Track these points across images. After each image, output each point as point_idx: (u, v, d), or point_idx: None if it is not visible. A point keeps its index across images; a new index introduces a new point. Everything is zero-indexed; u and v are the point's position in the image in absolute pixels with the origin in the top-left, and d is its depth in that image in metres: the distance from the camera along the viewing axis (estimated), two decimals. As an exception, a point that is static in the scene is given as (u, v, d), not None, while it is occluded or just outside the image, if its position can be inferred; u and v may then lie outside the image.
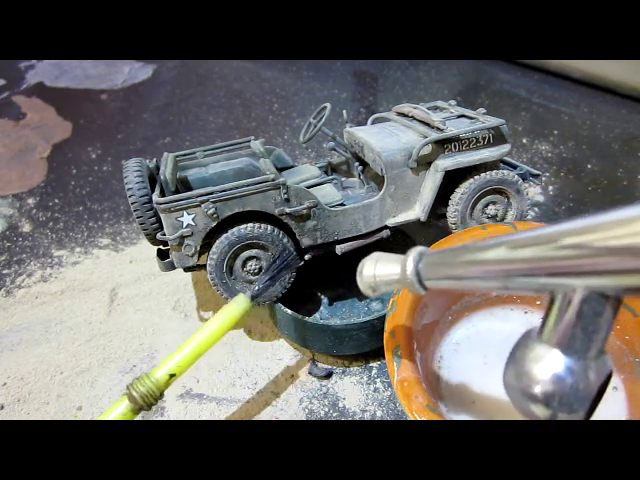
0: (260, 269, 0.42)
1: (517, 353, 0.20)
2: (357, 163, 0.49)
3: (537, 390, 0.18)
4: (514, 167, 0.48)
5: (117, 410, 0.33)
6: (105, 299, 0.54)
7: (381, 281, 0.28)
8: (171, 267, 0.43)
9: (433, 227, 0.52)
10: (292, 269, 0.42)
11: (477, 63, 1.00)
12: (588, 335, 0.18)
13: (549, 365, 0.18)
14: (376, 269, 0.28)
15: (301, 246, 0.44)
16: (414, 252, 0.26)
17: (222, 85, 0.99)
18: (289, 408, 0.42)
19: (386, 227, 0.45)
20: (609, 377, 0.19)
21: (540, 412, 0.19)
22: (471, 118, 0.46)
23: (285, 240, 0.42)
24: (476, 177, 0.44)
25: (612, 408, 0.35)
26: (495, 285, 0.20)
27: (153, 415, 0.42)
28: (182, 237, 0.40)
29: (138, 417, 0.41)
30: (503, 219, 0.46)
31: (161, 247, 0.47)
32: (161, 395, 0.35)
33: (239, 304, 0.38)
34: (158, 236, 0.41)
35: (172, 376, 0.35)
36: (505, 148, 0.44)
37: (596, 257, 0.16)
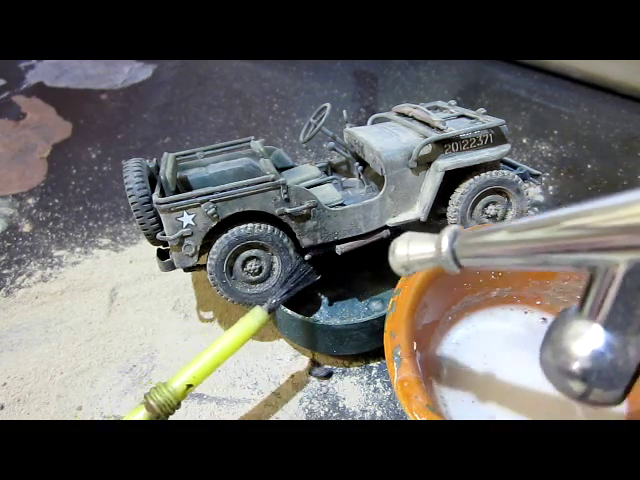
0: (260, 269, 0.42)
1: (554, 331, 0.20)
2: (357, 163, 0.49)
3: (575, 366, 0.18)
4: (514, 167, 0.48)
5: (135, 418, 0.33)
6: (105, 299, 0.54)
7: (415, 260, 0.28)
8: (171, 267, 0.43)
9: (433, 227, 0.52)
10: (309, 282, 0.42)
11: (477, 63, 1.00)
12: (630, 310, 0.18)
13: (588, 341, 0.18)
14: (409, 248, 0.28)
15: (301, 246, 0.44)
16: (449, 230, 0.26)
17: (222, 85, 0.99)
18: (289, 408, 0.42)
19: (386, 227, 0.45)
20: None
21: (577, 388, 0.19)
22: (471, 118, 0.46)
23: (285, 240, 0.42)
24: (476, 177, 0.44)
25: (612, 408, 0.35)
26: (535, 262, 0.20)
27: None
28: (182, 237, 0.40)
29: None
30: (503, 219, 0.46)
31: (161, 247, 0.47)
32: (178, 405, 0.35)
33: (256, 317, 0.39)
34: (158, 236, 0.41)
35: (189, 386, 0.35)
36: (505, 148, 0.44)
37: None
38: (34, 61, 1.11)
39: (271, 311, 0.40)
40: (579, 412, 0.35)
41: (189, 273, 0.55)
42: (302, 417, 0.41)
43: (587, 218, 0.18)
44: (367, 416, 0.41)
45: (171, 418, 0.41)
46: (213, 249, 0.41)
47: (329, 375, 0.44)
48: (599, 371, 0.18)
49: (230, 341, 0.37)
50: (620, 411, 0.34)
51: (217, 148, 0.51)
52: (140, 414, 0.33)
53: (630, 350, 0.18)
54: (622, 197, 0.17)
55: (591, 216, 0.18)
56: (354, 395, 0.43)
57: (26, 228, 0.65)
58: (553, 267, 0.20)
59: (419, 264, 0.28)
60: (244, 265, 0.42)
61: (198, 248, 0.41)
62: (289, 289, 0.41)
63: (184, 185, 0.45)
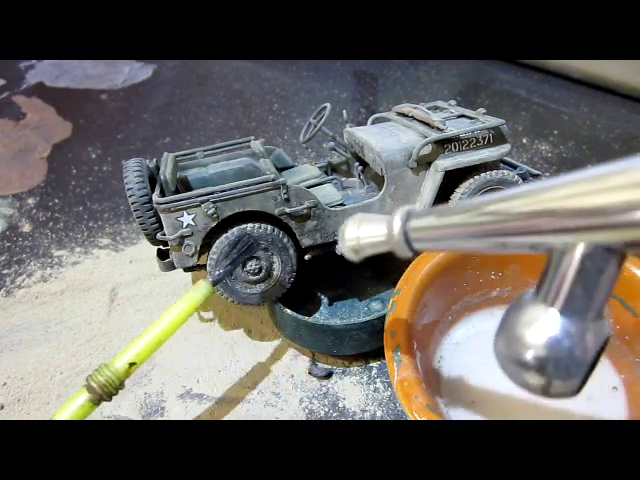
0: (260, 269, 0.42)
1: (509, 317, 0.19)
2: (357, 163, 0.49)
3: (530, 356, 0.17)
4: (514, 167, 0.48)
5: (76, 401, 0.33)
6: (105, 299, 0.54)
7: (366, 243, 0.26)
8: (171, 267, 0.43)
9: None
10: (252, 253, 0.41)
11: (477, 63, 1.00)
12: (589, 294, 0.16)
13: (544, 327, 0.17)
14: (360, 230, 0.26)
15: (301, 246, 0.44)
16: (401, 211, 0.24)
17: (222, 85, 0.99)
18: (289, 408, 0.42)
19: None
20: (606, 342, 0.17)
21: (534, 380, 0.17)
22: (471, 118, 0.46)
23: (285, 240, 0.42)
24: (476, 177, 0.44)
25: (612, 408, 0.35)
26: (490, 245, 0.19)
27: (153, 415, 0.42)
28: (182, 237, 0.40)
29: (138, 417, 0.42)
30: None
31: (161, 247, 0.47)
32: (121, 385, 0.34)
33: (200, 290, 0.37)
34: (158, 236, 0.41)
35: (132, 365, 0.34)
36: (505, 148, 0.44)
37: (596, 215, 0.15)
38: (34, 61, 1.11)
39: (215, 283, 0.38)
40: (579, 412, 0.35)
41: (189, 273, 0.55)
42: (302, 417, 0.41)
43: (543, 198, 0.17)
44: (367, 416, 0.41)
45: (171, 418, 0.41)
46: (213, 249, 0.41)
47: (329, 375, 0.44)
48: (556, 360, 0.17)
49: (174, 317, 0.36)
50: (620, 411, 0.34)
51: (217, 148, 0.51)
52: (82, 397, 0.33)
53: (588, 337, 0.17)
54: (578, 175, 0.16)
55: (548, 196, 0.16)
56: (354, 395, 0.43)
57: (26, 228, 0.65)
58: (510, 250, 0.19)
59: (370, 247, 0.26)
60: (244, 265, 0.42)
61: (198, 248, 0.41)
62: (233, 260, 0.40)
63: (184, 185, 0.45)
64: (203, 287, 0.38)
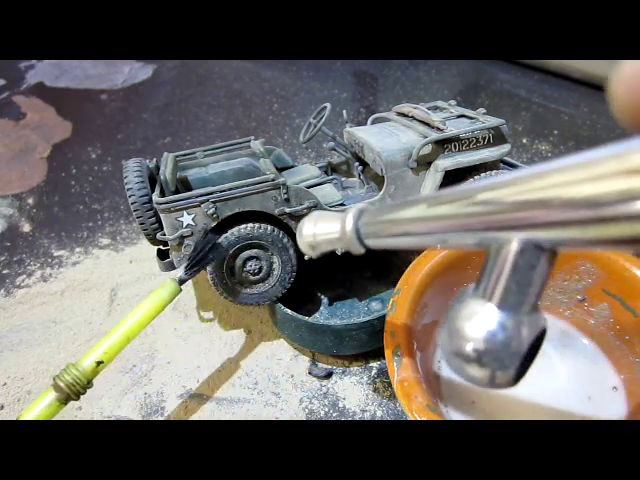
0: (260, 269, 0.42)
1: (451, 312, 0.19)
2: (357, 163, 0.49)
3: (469, 348, 0.18)
4: (514, 167, 0.48)
5: (44, 401, 0.33)
6: (105, 299, 0.54)
7: (321, 239, 0.27)
8: (171, 267, 0.43)
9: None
10: (220, 251, 0.41)
11: (477, 63, 1.00)
12: (522, 289, 0.17)
13: (482, 320, 0.18)
14: (316, 227, 0.28)
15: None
16: (354, 209, 0.25)
17: (222, 85, 0.99)
18: (289, 408, 0.42)
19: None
20: (542, 335, 0.18)
21: (476, 373, 0.18)
22: (471, 118, 0.46)
23: (285, 240, 0.42)
24: (476, 177, 0.44)
25: (612, 408, 0.35)
26: (433, 241, 0.20)
27: (153, 415, 0.42)
28: (182, 237, 0.40)
29: (138, 417, 0.42)
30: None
31: (161, 247, 0.47)
32: (89, 383, 0.34)
33: (167, 289, 0.38)
34: (158, 236, 0.41)
35: (100, 363, 0.34)
36: (505, 148, 0.44)
37: (529, 210, 0.15)
38: (34, 61, 1.11)
39: (182, 282, 0.38)
40: (579, 412, 0.35)
41: (189, 273, 0.55)
42: (302, 417, 0.41)
43: (479, 195, 0.17)
44: (367, 416, 0.41)
45: (171, 418, 0.41)
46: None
47: (329, 375, 0.44)
48: (492, 351, 0.17)
49: (142, 315, 0.36)
50: (620, 411, 0.34)
51: (217, 148, 0.51)
52: (49, 396, 0.33)
53: (523, 330, 0.17)
54: (520, 172, 0.16)
55: (482, 193, 0.17)
56: (354, 395, 0.43)
57: (26, 228, 0.65)
58: (453, 247, 0.20)
59: (326, 244, 0.27)
60: (244, 265, 0.42)
61: (198, 248, 0.41)
62: (200, 258, 0.39)
63: (184, 185, 0.45)
64: (170, 285, 0.38)
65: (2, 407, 0.43)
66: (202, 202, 0.39)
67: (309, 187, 0.45)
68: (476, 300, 0.18)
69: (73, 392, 0.33)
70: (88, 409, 0.43)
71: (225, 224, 0.41)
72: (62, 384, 0.33)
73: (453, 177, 0.44)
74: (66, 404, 0.33)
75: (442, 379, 0.37)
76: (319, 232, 0.27)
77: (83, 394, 0.34)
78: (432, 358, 0.38)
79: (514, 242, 0.17)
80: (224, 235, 0.40)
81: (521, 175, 0.16)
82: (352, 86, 0.96)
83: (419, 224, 0.20)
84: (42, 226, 0.65)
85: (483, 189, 0.17)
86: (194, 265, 0.39)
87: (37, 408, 0.32)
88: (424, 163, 0.44)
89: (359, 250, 0.25)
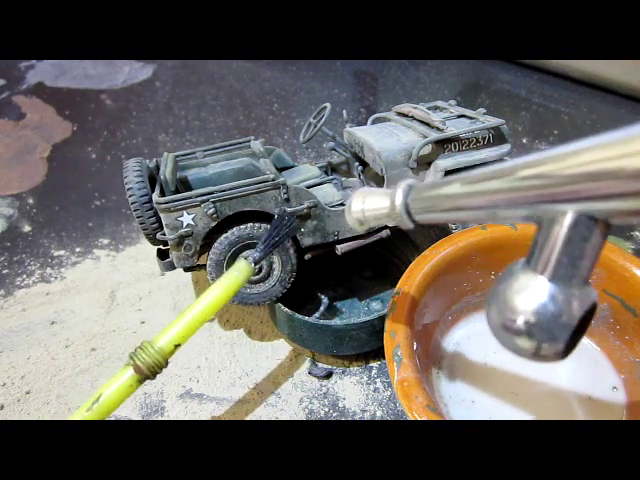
0: (260, 269, 0.42)
1: (500, 285, 0.19)
2: (357, 163, 0.49)
3: (520, 321, 0.18)
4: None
5: (122, 379, 0.32)
6: (105, 299, 0.54)
7: (370, 215, 0.28)
8: (171, 267, 0.43)
9: (433, 227, 0.52)
10: (294, 234, 0.41)
11: (477, 63, 1.00)
12: (574, 262, 0.17)
13: (533, 294, 0.18)
14: (365, 203, 0.28)
15: (301, 246, 0.44)
16: (404, 184, 0.25)
17: (222, 85, 0.99)
18: (289, 408, 0.42)
19: (386, 227, 0.45)
20: (593, 309, 0.18)
21: (525, 344, 0.18)
22: (471, 118, 0.46)
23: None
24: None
25: (612, 408, 0.35)
26: (483, 215, 0.20)
27: (153, 415, 0.42)
28: (182, 237, 0.40)
29: (138, 417, 0.42)
30: (503, 219, 0.46)
31: (161, 247, 0.47)
32: (166, 364, 0.34)
33: (241, 270, 0.36)
34: (158, 236, 0.41)
35: (177, 346, 0.34)
36: (505, 148, 0.44)
37: (585, 182, 0.15)
38: (34, 61, 1.11)
39: (257, 263, 0.37)
40: (579, 412, 0.35)
41: (189, 273, 0.55)
42: (302, 417, 0.41)
43: (533, 169, 0.17)
44: (367, 416, 0.41)
45: (171, 418, 0.41)
46: (213, 249, 0.41)
47: (329, 375, 0.44)
48: (541, 324, 0.17)
49: (216, 296, 0.35)
50: (620, 411, 0.34)
51: (217, 148, 0.51)
52: (128, 374, 0.32)
53: (573, 303, 0.17)
54: (571, 146, 0.16)
55: (538, 166, 0.17)
56: (354, 395, 0.43)
57: (26, 228, 0.65)
58: (502, 220, 0.20)
59: (374, 219, 0.28)
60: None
61: (198, 248, 0.41)
62: (275, 241, 0.38)
63: (184, 185, 0.45)
64: (244, 267, 0.36)
65: (2, 407, 0.43)
66: (202, 202, 0.39)
67: (309, 187, 0.45)
68: (527, 274, 0.18)
69: (152, 372, 0.33)
70: (88, 409, 0.43)
71: (225, 224, 0.41)
72: (142, 365, 0.33)
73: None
74: (142, 383, 0.33)
75: (442, 379, 0.37)
76: (368, 208, 0.28)
77: (159, 374, 0.34)
78: (432, 358, 0.38)
79: (568, 214, 0.17)
80: (224, 235, 0.40)
81: (576, 148, 0.16)
82: (352, 86, 0.96)
83: (470, 199, 0.20)
84: (42, 226, 0.65)
85: (536, 162, 0.17)
86: (271, 244, 0.38)
87: (115, 385, 0.32)
88: (424, 163, 0.44)
89: (408, 225, 0.25)
